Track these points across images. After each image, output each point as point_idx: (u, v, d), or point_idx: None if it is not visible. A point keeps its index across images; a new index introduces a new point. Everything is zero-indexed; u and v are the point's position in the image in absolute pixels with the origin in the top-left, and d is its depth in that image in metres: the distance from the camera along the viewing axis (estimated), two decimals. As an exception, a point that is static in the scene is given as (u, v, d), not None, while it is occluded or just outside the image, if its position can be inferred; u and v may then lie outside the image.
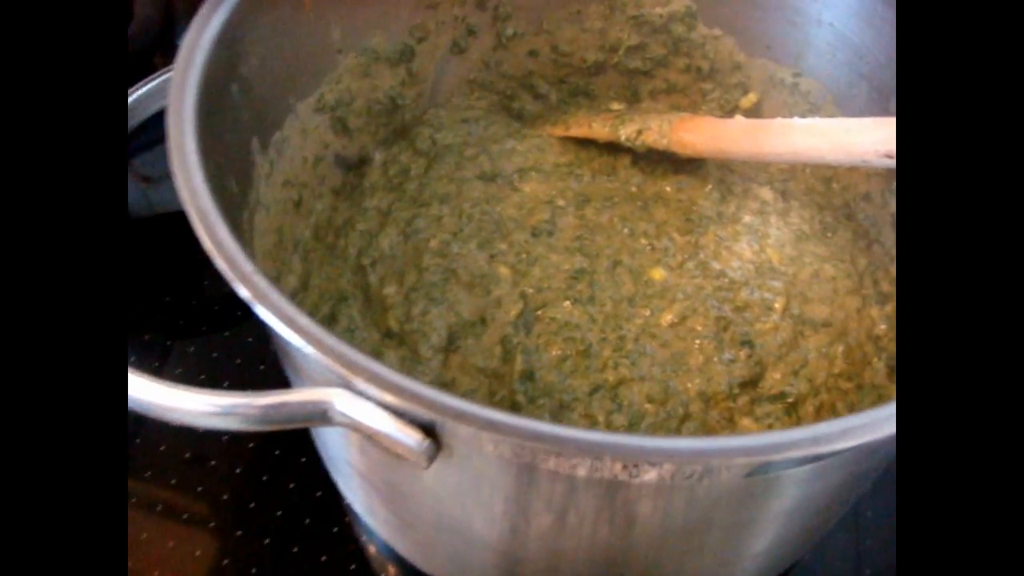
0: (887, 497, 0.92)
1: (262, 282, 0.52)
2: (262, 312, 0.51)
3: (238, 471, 0.92)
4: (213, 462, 0.92)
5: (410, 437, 0.51)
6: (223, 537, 0.88)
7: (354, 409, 0.52)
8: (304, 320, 0.50)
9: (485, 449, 0.50)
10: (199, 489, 0.90)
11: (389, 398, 0.48)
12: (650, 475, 0.49)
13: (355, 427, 0.52)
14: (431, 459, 0.52)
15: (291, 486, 0.91)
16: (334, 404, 0.52)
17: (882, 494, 0.91)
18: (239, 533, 0.88)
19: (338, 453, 0.72)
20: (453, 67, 1.00)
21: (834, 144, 0.76)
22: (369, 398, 0.50)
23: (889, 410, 0.48)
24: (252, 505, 0.90)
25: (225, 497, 0.90)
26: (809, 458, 0.48)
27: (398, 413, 0.50)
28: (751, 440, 0.46)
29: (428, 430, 0.51)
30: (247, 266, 0.53)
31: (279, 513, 0.89)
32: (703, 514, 0.59)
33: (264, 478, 0.92)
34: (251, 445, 0.93)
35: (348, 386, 0.50)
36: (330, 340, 0.49)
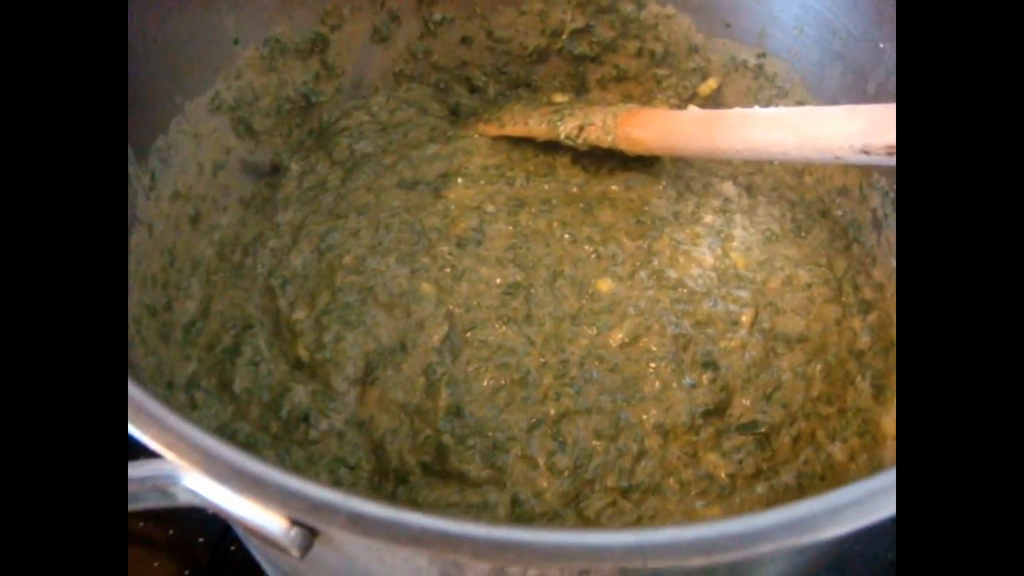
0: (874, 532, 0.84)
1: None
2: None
3: (141, 524, 0.83)
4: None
5: (274, 524, 0.40)
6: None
7: (205, 488, 0.41)
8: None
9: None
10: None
11: (224, 482, 0.36)
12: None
13: (208, 508, 0.42)
14: (304, 549, 0.41)
15: (200, 540, 0.82)
16: (180, 480, 0.41)
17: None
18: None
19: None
20: (376, 58, 0.94)
21: (801, 138, 0.69)
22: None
23: (868, 486, 0.38)
24: (156, 564, 0.82)
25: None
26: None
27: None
28: (697, 531, 0.35)
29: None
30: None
31: (187, 572, 0.81)
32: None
33: (170, 532, 0.83)
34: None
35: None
36: (153, 408, 0.38)
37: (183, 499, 0.42)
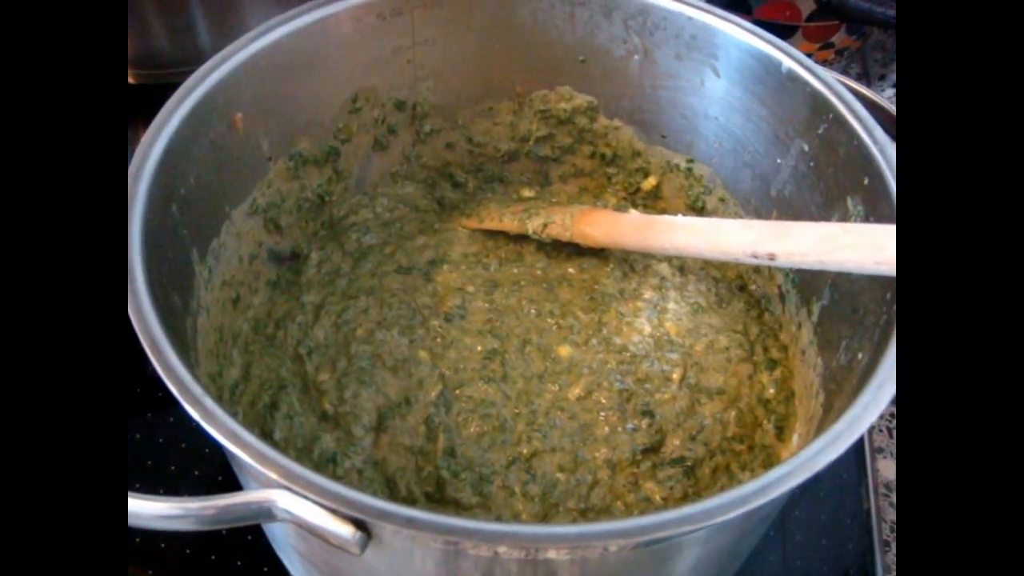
0: (812, 513, 1.00)
1: (210, 403, 0.59)
2: (212, 432, 0.59)
3: (187, 551, 0.96)
4: (162, 544, 0.96)
5: (343, 530, 0.59)
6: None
7: (294, 506, 0.59)
8: (248, 437, 0.58)
9: (410, 537, 0.58)
10: (149, 572, 0.95)
11: (324, 501, 0.55)
12: (551, 553, 0.58)
13: (296, 522, 0.60)
14: (363, 547, 0.60)
15: (238, 563, 0.95)
16: (277, 503, 0.60)
17: (807, 510, 0.99)
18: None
19: (282, 537, 0.78)
20: (376, 162, 1.07)
21: (710, 243, 0.82)
22: (306, 497, 0.58)
23: (739, 491, 0.57)
24: (202, 582, 0.94)
25: (175, 578, 0.95)
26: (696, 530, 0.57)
27: (332, 509, 0.58)
28: (621, 525, 0.55)
29: (359, 523, 0.59)
30: (196, 389, 0.60)
31: (228, 591, 0.94)
32: (619, 571, 0.67)
33: (212, 557, 0.96)
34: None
35: (287, 487, 0.58)
36: (271, 454, 0.57)
37: (280, 517, 0.60)
